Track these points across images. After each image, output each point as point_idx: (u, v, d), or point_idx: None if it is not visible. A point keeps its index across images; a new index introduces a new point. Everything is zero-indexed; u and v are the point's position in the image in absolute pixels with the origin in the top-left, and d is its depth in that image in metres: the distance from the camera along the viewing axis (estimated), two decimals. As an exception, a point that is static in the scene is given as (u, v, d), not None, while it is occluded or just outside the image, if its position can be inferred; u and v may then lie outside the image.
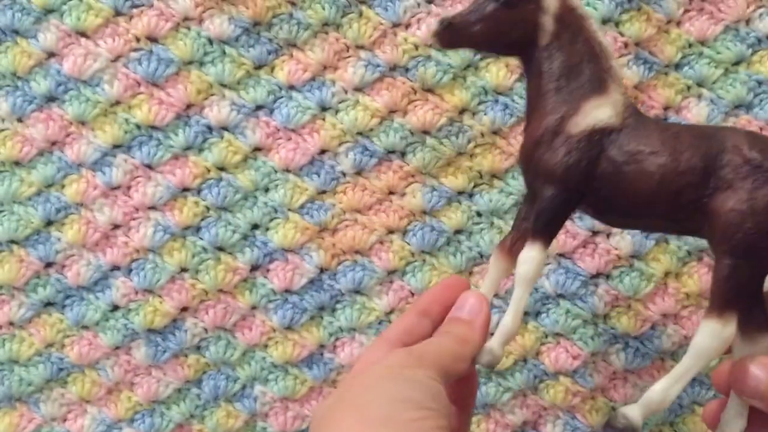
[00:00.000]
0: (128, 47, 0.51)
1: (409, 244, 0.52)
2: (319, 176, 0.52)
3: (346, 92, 0.52)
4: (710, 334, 0.35)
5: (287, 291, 0.52)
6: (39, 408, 0.53)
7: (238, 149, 0.52)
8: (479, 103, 0.52)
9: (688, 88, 0.51)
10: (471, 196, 0.52)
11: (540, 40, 0.39)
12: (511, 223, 0.52)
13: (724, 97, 0.51)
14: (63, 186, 0.52)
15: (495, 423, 0.53)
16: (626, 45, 0.51)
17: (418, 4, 0.51)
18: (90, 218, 0.52)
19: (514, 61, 0.51)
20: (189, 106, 0.52)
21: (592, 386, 0.53)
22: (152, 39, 0.51)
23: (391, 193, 0.52)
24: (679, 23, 0.51)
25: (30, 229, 0.52)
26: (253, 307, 0.53)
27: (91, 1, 0.51)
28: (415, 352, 0.36)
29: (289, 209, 0.52)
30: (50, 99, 0.52)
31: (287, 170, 0.52)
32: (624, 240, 0.51)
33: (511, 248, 0.39)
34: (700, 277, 0.51)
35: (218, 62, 0.51)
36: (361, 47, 0.51)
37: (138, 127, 0.52)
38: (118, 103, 0.51)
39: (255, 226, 0.52)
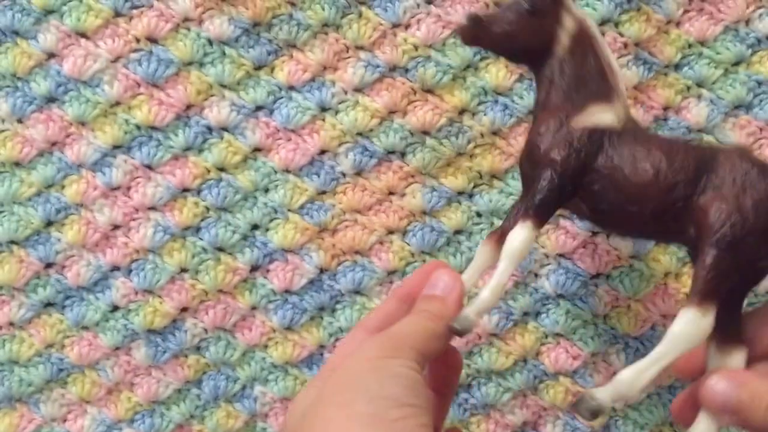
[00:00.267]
0: (128, 48, 0.51)
1: (408, 244, 0.52)
2: (318, 177, 0.52)
3: (345, 93, 0.52)
4: (688, 322, 0.35)
5: (287, 291, 0.52)
6: (39, 408, 0.53)
7: (238, 150, 0.52)
8: (479, 104, 0.52)
9: (688, 88, 0.51)
10: (471, 196, 0.52)
11: (554, 52, 0.41)
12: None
13: (724, 98, 0.51)
14: (63, 186, 0.52)
15: (495, 423, 0.53)
16: (626, 45, 0.51)
17: (418, 5, 0.51)
18: (90, 219, 0.52)
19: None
20: (189, 107, 0.52)
21: (592, 386, 0.52)
22: (152, 40, 0.51)
23: (390, 193, 0.52)
24: (678, 24, 0.51)
25: (30, 230, 0.52)
26: (253, 308, 0.53)
27: (91, 2, 0.51)
28: (390, 339, 0.36)
29: (289, 210, 0.52)
30: (50, 100, 0.52)
31: (287, 171, 0.52)
32: (624, 240, 0.51)
33: (500, 239, 0.39)
34: (699, 278, 0.51)
35: (218, 63, 0.51)
36: (360, 48, 0.51)
37: (138, 127, 0.52)
38: (118, 103, 0.52)
39: (255, 227, 0.52)
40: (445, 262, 0.44)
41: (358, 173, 0.52)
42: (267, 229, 0.52)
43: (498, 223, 0.52)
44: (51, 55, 0.51)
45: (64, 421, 0.53)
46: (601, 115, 0.39)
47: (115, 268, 0.52)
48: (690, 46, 0.51)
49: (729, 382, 0.35)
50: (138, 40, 0.51)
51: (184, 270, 0.52)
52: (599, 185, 0.38)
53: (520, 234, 0.38)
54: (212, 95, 0.52)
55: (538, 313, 0.52)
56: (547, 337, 0.52)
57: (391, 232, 0.52)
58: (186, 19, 0.51)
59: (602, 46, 0.41)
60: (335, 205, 0.52)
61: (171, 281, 0.52)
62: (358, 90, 0.52)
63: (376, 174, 0.52)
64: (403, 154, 0.52)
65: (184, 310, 0.53)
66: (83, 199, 0.52)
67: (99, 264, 0.52)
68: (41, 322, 0.53)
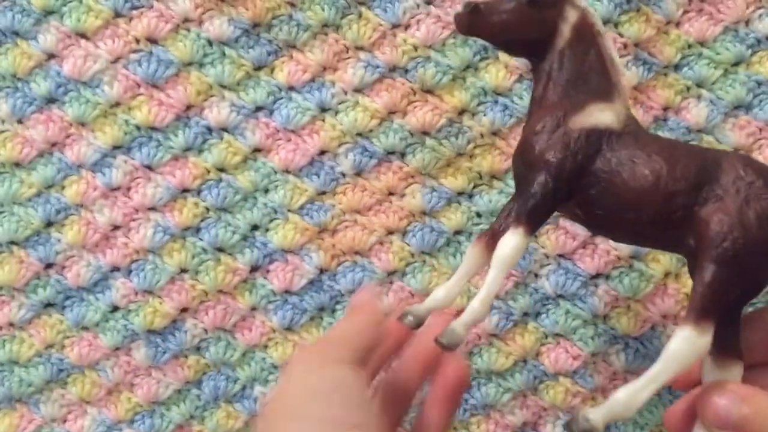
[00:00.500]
0: (128, 49, 0.51)
1: (408, 244, 0.52)
2: (318, 177, 0.52)
3: (345, 93, 0.52)
4: (685, 341, 0.34)
5: (287, 292, 0.53)
6: (39, 409, 0.53)
7: (237, 150, 0.52)
8: (479, 104, 0.52)
9: (688, 88, 0.51)
10: (471, 196, 0.52)
11: (555, 44, 0.39)
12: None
13: (724, 98, 0.51)
14: (63, 187, 0.52)
15: (495, 424, 0.53)
16: (625, 46, 0.51)
17: (418, 6, 0.51)
18: (90, 219, 0.52)
19: (513, 63, 0.51)
20: (189, 108, 0.52)
21: (592, 387, 0.53)
22: (152, 40, 0.51)
23: (390, 193, 0.52)
24: (678, 24, 0.51)
25: (30, 230, 0.52)
26: (253, 308, 0.53)
27: (91, 3, 0.51)
28: (325, 343, 0.37)
29: (289, 210, 0.52)
30: (50, 100, 0.52)
31: (287, 171, 0.52)
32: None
33: (489, 242, 0.38)
34: (699, 278, 0.51)
35: (218, 63, 0.51)
36: (360, 48, 0.51)
37: (138, 128, 0.52)
38: (117, 104, 0.52)
39: (255, 227, 0.52)
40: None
41: (358, 174, 0.52)
42: (267, 230, 0.52)
43: (498, 223, 0.52)
44: (51, 56, 0.51)
45: (64, 421, 0.53)
46: (601, 115, 0.38)
47: (115, 268, 0.52)
48: (690, 46, 0.51)
49: (732, 398, 0.34)
50: (138, 41, 0.51)
51: (184, 270, 0.52)
52: (595, 189, 0.37)
53: (511, 241, 0.36)
54: (212, 96, 0.52)
55: (538, 314, 0.52)
56: (547, 337, 0.52)
57: (390, 232, 0.52)
58: (186, 20, 0.51)
59: (605, 40, 0.39)
60: (335, 205, 0.52)
61: (171, 282, 0.52)
62: (357, 90, 0.52)
63: (375, 174, 0.52)
64: (402, 155, 0.52)
65: (184, 310, 0.53)
66: (83, 199, 0.52)
67: (99, 264, 0.52)
68: (41, 322, 0.53)
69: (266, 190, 0.52)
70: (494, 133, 0.52)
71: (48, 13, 0.51)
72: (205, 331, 0.53)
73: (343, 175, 0.52)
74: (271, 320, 0.53)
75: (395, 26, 0.51)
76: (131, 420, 0.53)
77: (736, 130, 0.51)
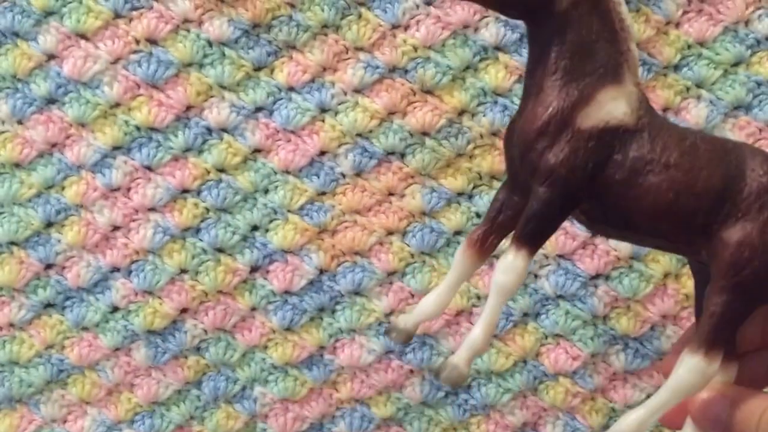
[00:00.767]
0: (128, 49, 0.51)
1: (408, 245, 0.52)
2: (318, 177, 0.52)
3: (345, 94, 0.52)
4: (693, 370, 0.32)
5: (287, 292, 0.53)
6: (39, 409, 0.53)
7: (237, 151, 0.52)
8: (478, 105, 0.52)
9: (687, 89, 0.51)
10: (470, 197, 0.52)
11: (555, 5, 0.33)
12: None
13: (723, 98, 0.51)
14: (63, 188, 0.52)
15: (495, 424, 0.53)
16: (625, 46, 0.51)
17: (417, 6, 0.51)
18: (90, 220, 0.52)
19: (513, 63, 0.51)
20: (188, 108, 0.52)
21: (592, 387, 0.53)
22: (152, 41, 0.51)
23: (390, 194, 0.52)
24: (677, 24, 0.51)
25: (30, 231, 0.52)
26: (253, 309, 0.53)
27: (91, 4, 0.51)
28: None
29: (289, 210, 0.52)
30: (50, 101, 0.52)
31: (287, 172, 0.52)
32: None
33: (481, 243, 0.35)
34: (699, 278, 0.51)
35: (218, 64, 0.51)
36: (360, 49, 0.51)
37: (138, 128, 0.52)
38: (117, 105, 0.52)
39: (255, 228, 0.52)
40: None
41: (358, 174, 0.52)
42: (267, 230, 0.52)
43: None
44: (51, 57, 0.51)
45: (64, 422, 0.53)
46: (613, 107, 0.33)
47: (115, 269, 0.52)
48: (689, 47, 0.51)
49: (721, 400, 0.34)
50: (138, 42, 0.51)
51: (183, 271, 0.52)
52: (605, 199, 0.33)
53: (512, 265, 0.32)
54: (212, 96, 0.52)
55: (537, 314, 0.52)
56: (546, 337, 0.52)
57: (390, 232, 0.52)
58: (186, 21, 0.51)
59: (617, 7, 0.34)
60: (335, 206, 0.52)
61: (171, 282, 0.52)
62: (357, 91, 0.52)
63: (375, 175, 0.52)
64: (402, 155, 0.52)
65: (184, 311, 0.53)
66: (83, 200, 0.52)
67: (99, 265, 0.52)
68: (41, 323, 0.53)
69: (266, 191, 0.52)
70: (494, 134, 0.52)
71: (48, 13, 0.51)
72: (205, 331, 0.53)
73: (343, 175, 0.52)
74: (270, 321, 0.53)
75: (395, 27, 0.51)
76: (131, 420, 0.53)
77: (735, 131, 0.51)
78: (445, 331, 0.52)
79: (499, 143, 0.52)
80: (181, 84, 0.51)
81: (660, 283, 0.52)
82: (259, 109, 0.52)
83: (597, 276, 0.52)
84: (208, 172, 0.52)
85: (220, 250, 0.52)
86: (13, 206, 0.52)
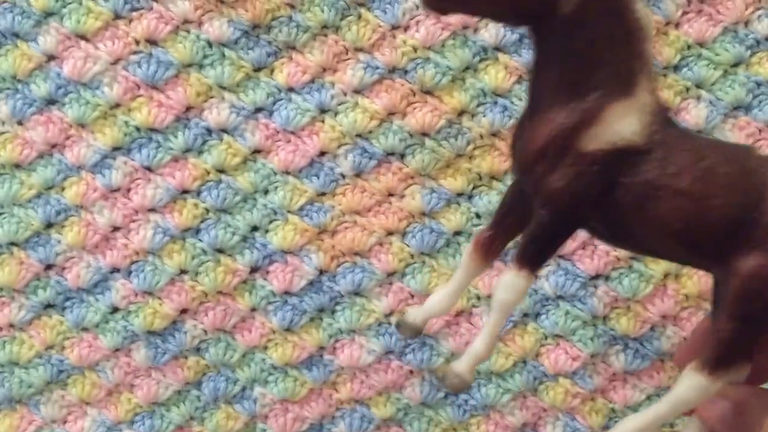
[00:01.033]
0: (128, 50, 0.51)
1: (408, 245, 0.52)
2: (318, 178, 0.52)
3: (345, 94, 0.52)
4: (695, 389, 0.31)
5: (287, 293, 0.53)
6: (39, 410, 0.53)
7: (237, 151, 0.52)
8: (478, 105, 0.52)
9: (687, 89, 0.51)
10: (470, 197, 0.52)
11: (561, 6, 0.29)
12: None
13: (723, 99, 0.51)
14: (63, 188, 0.52)
15: (495, 424, 0.53)
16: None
17: (417, 7, 0.51)
18: (90, 220, 0.52)
19: (513, 63, 0.51)
20: (188, 109, 0.52)
21: (592, 388, 0.53)
22: (152, 42, 0.51)
23: (390, 194, 0.52)
24: (677, 25, 0.51)
25: (30, 232, 0.52)
26: (253, 309, 0.53)
27: (91, 4, 0.51)
28: None
29: (289, 211, 0.52)
30: (50, 102, 0.52)
31: (287, 172, 0.52)
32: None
33: (488, 247, 0.34)
34: (699, 279, 0.51)
35: (217, 65, 0.51)
36: (360, 50, 0.51)
37: (137, 129, 0.52)
38: (117, 105, 0.52)
39: (254, 228, 0.52)
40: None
41: (358, 175, 0.52)
42: (266, 231, 0.52)
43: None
44: (51, 57, 0.51)
45: (64, 422, 0.53)
46: (621, 125, 0.30)
47: (115, 269, 0.52)
48: (689, 47, 0.51)
49: (728, 405, 0.33)
50: (138, 42, 0.51)
51: (183, 271, 0.52)
52: (612, 220, 0.31)
53: (513, 284, 0.31)
54: (212, 97, 0.52)
55: (537, 314, 0.52)
56: (546, 338, 0.52)
57: (390, 233, 0.52)
58: (185, 21, 0.51)
59: (635, 3, 0.30)
60: (335, 206, 0.52)
61: (171, 283, 0.52)
62: (357, 91, 0.52)
63: (375, 175, 0.52)
64: (402, 156, 0.52)
65: (183, 311, 0.53)
66: (83, 200, 0.52)
67: (99, 265, 0.52)
68: (41, 323, 0.53)
69: (266, 191, 0.52)
70: (494, 134, 0.52)
71: (48, 14, 0.51)
72: (205, 332, 0.53)
73: (343, 176, 0.52)
74: (270, 321, 0.53)
75: (395, 27, 0.51)
76: (131, 421, 0.53)
77: (735, 131, 0.51)
78: (444, 331, 0.53)
79: (499, 144, 0.52)
80: (180, 85, 0.51)
81: (660, 283, 0.52)
82: (258, 110, 0.52)
83: (597, 276, 0.52)
84: (208, 173, 0.52)
85: (220, 251, 0.52)
86: (13, 207, 0.52)
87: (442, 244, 0.52)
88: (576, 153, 0.30)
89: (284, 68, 0.52)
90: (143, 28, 0.51)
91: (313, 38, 0.51)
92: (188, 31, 0.51)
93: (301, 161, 0.52)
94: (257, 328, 0.53)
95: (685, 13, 0.51)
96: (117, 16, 0.51)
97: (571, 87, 0.30)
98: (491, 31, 0.51)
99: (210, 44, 0.51)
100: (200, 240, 0.52)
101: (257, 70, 0.52)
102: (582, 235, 0.52)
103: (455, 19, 0.51)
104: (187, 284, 0.52)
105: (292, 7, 0.51)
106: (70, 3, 0.51)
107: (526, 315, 0.52)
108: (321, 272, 0.52)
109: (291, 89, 0.52)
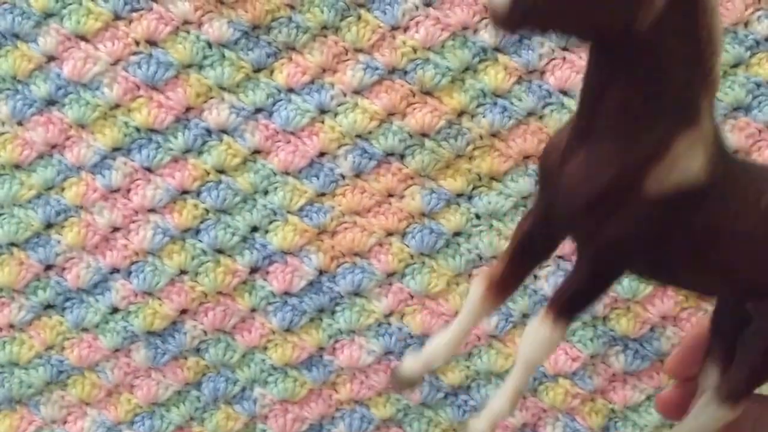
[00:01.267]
0: (128, 51, 0.51)
1: (408, 246, 0.52)
2: (318, 179, 0.52)
3: (345, 95, 0.52)
4: (715, 420, 0.30)
5: (286, 293, 0.53)
6: (39, 410, 0.53)
7: (237, 152, 0.52)
8: (478, 106, 0.52)
9: (687, 90, 0.51)
10: (470, 198, 0.52)
11: (637, 23, 0.24)
12: (510, 226, 0.52)
13: (723, 100, 0.51)
14: (63, 189, 0.52)
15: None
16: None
17: (417, 8, 0.51)
18: (90, 221, 0.52)
19: (513, 64, 0.51)
20: (188, 109, 0.52)
21: (592, 388, 0.53)
22: (152, 43, 0.51)
23: (390, 195, 0.52)
24: (677, 25, 0.51)
25: (30, 232, 0.52)
26: (253, 310, 0.53)
27: (91, 5, 0.51)
28: None
29: (289, 212, 0.52)
30: (50, 102, 0.52)
31: (286, 173, 0.52)
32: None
33: (500, 284, 0.30)
34: (699, 279, 0.51)
35: (217, 65, 0.51)
36: (359, 50, 0.51)
37: (137, 130, 0.52)
38: (117, 106, 0.52)
39: (254, 229, 0.52)
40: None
41: (358, 175, 0.52)
42: (266, 231, 0.52)
43: (497, 225, 0.52)
44: (51, 58, 0.51)
45: (64, 423, 0.53)
46: (689, 161, 0.26)
47: (115, 270, 0.52)
48: (688, 48, 0.51)
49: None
50: (137, 43, 0.51)
51: (183, 272, 0.52)
52: (661, 260, 0.28)
53: (545, 337, 0.28)
54: (211, 98, 0.52)
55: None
56: (546, 338, 0.52)
57: (390, 233, 0.52)
58: (185, 22, 0.51)
59: (712, 16, 0.25)
60: (334, 207, 0.52)
61: (170, 283, 0.52)
62: (357, 92, 0.52)
63: (375, 176, 0.52)
64: (402, 156, 0.52)
65: (183, 312, 0.53)
66: (83, 201, 0.52)
67: (99, 266, 0.52)
68: (41, 324, 0.53)
69: (266, 192, 0.52)
70: (493, 135, 0.52)
71: (48, 15, 0.51)
72: (205, 332, 0.53)
73: (343, 176, 0.52)
74: (270, 322, 0.53)
75: (394, 28, 0.51)
76: (131, 421, 0.53)
77: (735, 132, 0.51)
78: (444, 332, 0.52)
79: (499, 144, 0.52)
80: (180, 85, 0.51)
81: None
82: (258, 111, 0.52)
83: (596, 277, 0.52)
84: (208, 174, 0.52)
85: (220, 251, 0.52)
86: (13, 207, 0.52)
87: (441, 244, 0.52)
88: (641, 197, 0.26)
89: (284, 69, 0.52)
90: (143, 28, 0.51)
91: (313, 39, 0.52)
92: (188, 32, 0.51)
93: (300, 162, 0.52)
94: (257, 328, 0.53)
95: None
96: (117, 17, 0.51)
97: (637, 114, 0.26)
98: (491, 32, 0.51)
99: (210, 45, 0.51)
100: (200, 240, 0.52)
101: (257, 70, 0.52)
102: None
103: (455, 20, 0.51)
104: (186, 285, 0.52)
105: (292, 7, 0.51)
106: (70, 4, 0.51)
107: (525, 315, 0.52)
108: (321, 273, 0.52)
109: (291, 90, 0.52)
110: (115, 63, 0.51)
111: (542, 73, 0.51)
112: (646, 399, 0.53)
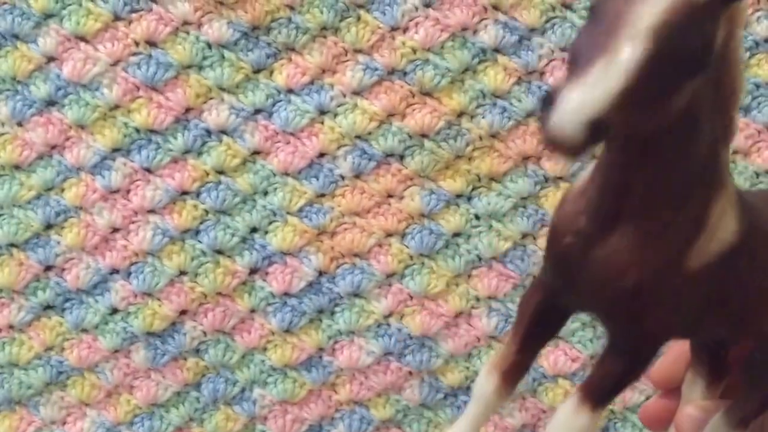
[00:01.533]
0: (127, 51, 0.51)
1: (407, 247, 0.52)
2: (317, 179, 0.52)
3: (344, 96, 0.52)
4: None
5: (286, 294, 0.53)
6: (38, 411, 0.53)
7: (236, 153, 0.52)
8: (477, 107, 0.52)
9: (686, 91, 0.51)
10: (469, 199, 0.52)
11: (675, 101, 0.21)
12: (510, 227, 0.52)
13: (722, 100, 0.51)
14: (62, 190, 0.52)
15: (494, 426, 0.53)
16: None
17: (416, 8, 0.51)
18: (89, 222, 0.52)
19: (512, 65, 0.51)
20: (188, 110, 0.52)
21: (591, 389, 0.52)
22: (151, 43, 0.51)
23: (389, 196, 0.52)
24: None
25: (30, 233, 0.52)
26: (252, 311, 0.53)
27: (91, 6, 0.51)
28: None
29: (288, 212, 0.52)
30: (50, 103, 0.52)
31: (286, 174, 0.52)
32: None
33: (514, 374, 0.27)
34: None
35: (217, 66, 0.51)
36: (359, 51, 0.51)
37: (137, 130, 0.52)
38: (117, 107, 0.52)
39: (254, 230, 0.52)
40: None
41: (357, 176, 0.52)
42: (266, 232, 0.52)
43: (496, 226, 0.52)
44: (51, 59, 0.51)
45: (64, 423, 0.53)
46: (725, 227, 0.24)
47: (115, 270, 0.52)
48: (688, 48, 0.51)
49: (706, 414, 0.32)
50: (137, 44, 0.51)
51: (183, 273, 0.52)
52: (698, 319, 0.26)
53: (581, 425, 0.25)
54: (211, 98, 0.52)
55: (536, 316, 0.52)
56: (545, 339, 0.52)
57: (389, 234, 0.52)
58: (185, 23, 0.51)
59: (738, 63, 0.23)
60: (334, 207, 0.52)
61: (170, 284, 0.52)
62: (356, 93, 0.52)
63: (374, 177, 0.52)
64: (401, 157, 0.52)
65: (183, 312, 0.53)
66: (82, 202, 0.52)
67: (98, 267, 0.52)
68: (41, 324, 0.53)
69: (265, 193, 0.52)
70: (493, 136, 0.52)
71: (48, 16, 0.51)
72: (204, 333, 0.53)
73: (342, 177, 0.52)
74: (270, 322, 0.53)
75: (394, 29, 0.51)
76: (130, 422, 0.53)
77: (734, 133, 0.51)
78: (444, 333, 0.53)
79: (498, 145, 0.52)
80: (180, 86, 0.51)
81: (659, 284, 0.52)
82: (258, 111, 0.52)
83: (596, 278, 0.52)
84: (208, 174, 0.52)
85: (220, 252, 0.52)
86: (13, 208, 0.52)
87: (441, 245, 0.52)
88: (684, 274, 0.23)
89: (283, 70, 0.52)
90: (143, 29, 0.51)
91: (313, 40, 0.52)
92: (188, 33, 0.51)
93: (300, 162, 0.52)
94: (256, 329, 0.53)
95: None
96: (116, 18, 0.51)
97: (671, 192, 0.23)
98: (490, 33, 0.51)
99: (209, 46, 0.51)
100: (199, 241, 0.52)
101: (257, 71, 0.52)
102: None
103: (454, 21, 0.51)
104: (186, 285, 0.52)
105: (292, 8, 0.51)
106: (69, 4, 0.51)
107: (525, 316, 0.52)
108: (320, 273, 0.52)
109: (290, 90, 0.52)
110: (115, 64, 0.51)
111: (542, 73, 0.51)
112: (645, 400, 0.52)
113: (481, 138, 0.52)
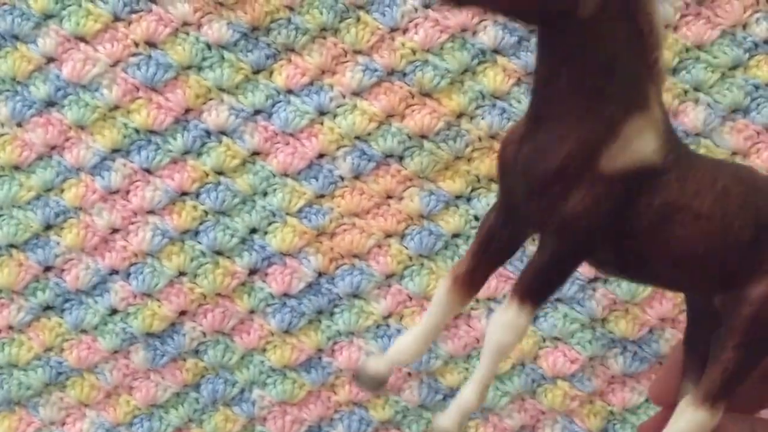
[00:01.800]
0: (127, 52, 0.51)
1: (407, 248, 0.52)
2: (317, 180, 0.52)
3: (344, 97, 0.52)
4: (696, 424, 0.29)
5: (285, 295, 0.53)
6: (38, 412, 0.53)
7: (236, 153, 0.52)
8: (477, 108, 0.52)
9: (685, 92, 0.51)
10: (469, 200, 0.52)
11: (580, 9, 0.26)
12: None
13: (721, 102, 0.51)
14: (62, 190, 0.52)
15: (493, 427, 0.53)
16: (623, 49, 0.51)
17: (416, 9, 0.51)
18: (89, 222, 0.52)
19: (512, 66, 0.51)
20: (187, 111, 0.52)
21: (590, 390, 0.53)
22: (151, 44, 0.51)
23: (389, 197, 0.52)
24: (675, 28, 0.51)
25: (29, 233, 0.52)
26: (252, 311, 0.53)
27: (90, 7, 0.51)
28: None
29: (288, 213, 0.52)
30: (49, 104, 0.52)
31: (285, 174, 0.52)
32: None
33: (467, 281, 0.30)
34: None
35: (217, 67, 0.51)
36: (359, 52, 0.52)
37: (137, 131, 0.52)
38: (116, 107, 0.52)
39: (253, 230, 0.52)
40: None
41: (357, 177, 0.52)
42: (265, 233, 0.52)
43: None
44: (50, 60, 0.52)
45: (63, 424, 0.53)
46: (641, 143, 0.27)
47: (114, 271, 0.52)
48: (687, 50, 0.51)
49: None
50: (137, 45, 0.51)
51: (182, 273, 0.52)
52: (623, 246, 0.28)
53: (513, 322, 0.27)
54: (211, 99, 0.52)
55: (535, 317, 0.52)
56: (544, 340, 0.52)
57: (389, 235, 0.52)
58: (185, 24, 0.51)
59: (652, 3, 0.27)
60: (333, 208, 0.52)
61: (169, 285, 0.52)
62: (356, 94, 0.52)
63: (374, 178, 0.52)
64: (401, 158, 0.52)
65: (182, 313, 0.53)
66: (82, 202, 0.52)
67: (98, 267, 0.52)
68: (40, 325, 0.53)
69: (265, 194, 0.52)
70: (492, 137, 0.52)
71: (47, 16, 0.51)
72: (204, 334, 0.53)
73: (342, 178, 0.52)
74: (269, 323, 0.53)
75: (393, 30, 0.51)
76: (130, 423, 0.53)
77: (733, 134, 0.51)
78: (443, 334, 0.52)
79: (498, 146, 0.52)
80: (180, 87, 0.52)
81: (658, 286, 0.52)
82: (257, 112, 0.52)
83: (595, 279, 0.52)
84: (207, 175, 0.52)
85: (219, 253, 0.52)
86: (12, 209, 0.52)
87: (440, 246, 0.52)
88: (596, 173, 0.27)
89: (283, 70, 0.52)
90: (142, 30, 0.51)
91: (312, 40, 0.52)
92: (187, 34, 0.51)
93: (299, 163, 0.52)
94: (256, 330, 0.53)
95: (683, 16, 0.51)
96: (116, 18, 0.51)
97: (587, 96, 0.27)
98: (490, 34, 0.51)
99: (209, 46, 0.51)
100: (199, 242, 0.52)
101: (256, 72, 0.52)
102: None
103: (454, 22, 0.51)
104: (185, 286, 0.52)
105: (291, 9, 0.51)
106: (69, 5, 0.51)
107: (524, 317, 0.52)
108: (320, 274, 0.52)
109: (290, 91, 0.52)
110: (115, 64, 0.51)
111: (541, 75, 0.51)
112: (644, 401, 0.53)
113: (480, 139, 0.52)
